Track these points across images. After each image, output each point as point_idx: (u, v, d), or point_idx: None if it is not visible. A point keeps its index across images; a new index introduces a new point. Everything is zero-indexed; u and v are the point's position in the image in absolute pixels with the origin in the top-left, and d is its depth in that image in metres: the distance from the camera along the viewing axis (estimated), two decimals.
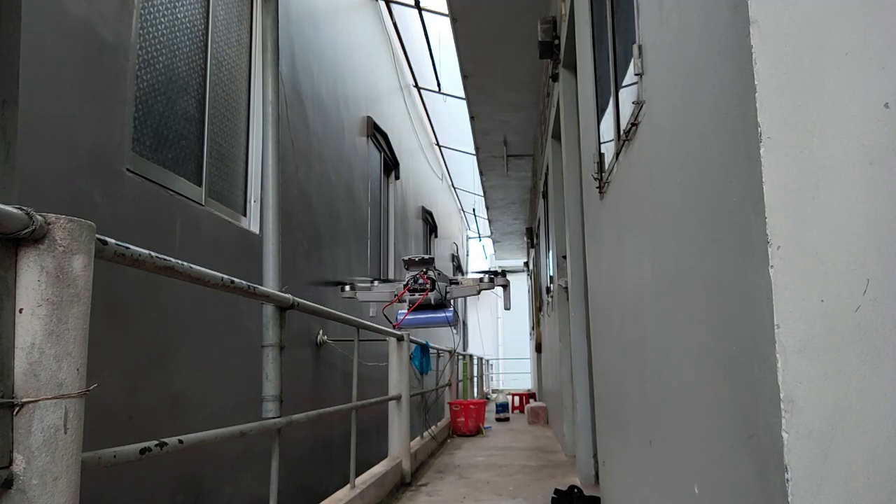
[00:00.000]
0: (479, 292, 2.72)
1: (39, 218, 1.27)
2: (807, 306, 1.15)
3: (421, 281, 2.02)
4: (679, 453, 1.99)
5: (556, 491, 4.33)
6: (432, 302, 1.93)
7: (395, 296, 2.44)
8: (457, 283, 3.39)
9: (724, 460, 1.52)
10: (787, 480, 1.09)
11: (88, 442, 1.42)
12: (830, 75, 1.24)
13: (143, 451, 1.70)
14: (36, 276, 1.27)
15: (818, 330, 1.14)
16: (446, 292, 2.10)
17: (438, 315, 2.13)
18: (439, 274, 2.77)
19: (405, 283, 2.08)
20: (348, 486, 4.06)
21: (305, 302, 3.07)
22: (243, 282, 2.31)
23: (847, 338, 1.13)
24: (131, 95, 3.23)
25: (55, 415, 1.24)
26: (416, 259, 2.12)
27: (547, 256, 8.98)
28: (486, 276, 3.15)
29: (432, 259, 2.08)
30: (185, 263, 1.86)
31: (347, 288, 2.53)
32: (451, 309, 2.19)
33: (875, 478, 1.08)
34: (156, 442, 1.77)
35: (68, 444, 1.26)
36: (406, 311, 2.06)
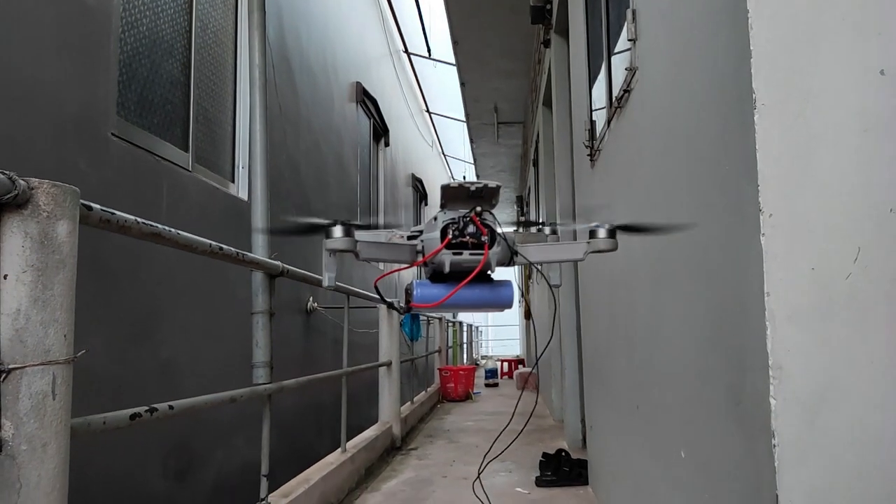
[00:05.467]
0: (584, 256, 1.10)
1: (22, 183, 1.24)
2: (797, 274, 1.15)
3: (473, 229, 0.91)
4: (666, 419, 2.01)
5: (544, 454, 4.39)
6: (491, 268, 0.97)
7: (421, 255, 1.07)
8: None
9: (710, 426, 1.54)
10: (774, 446, 1.10)
11: (78, 409, 1.42)
12: (827, 41, 1.22)
13: (133, 416, 1.70)
14: (20, 241, 1.25)
15: (808, 297, 1.14)
16: (513, 251, 1.03)
17: (492, 293, 1.00)
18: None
19: (442, 228, 0.95)
20: (339, 450, 4.10)
21: (295, 269, 3.06)
22: (232, 248, 2.29)
23: (837, 305, 1.14)
24: (115, 58, 3.15)
25: (43, 381, 1.23)
26: (465, 186, 0.93)
27: None
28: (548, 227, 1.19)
29: (497, 189, 0.96)
30: (172, 230, 1.83)
31: (337, 231, 1.12)
32: (510, 282, 1.04)
33: (861, 444, 1.10)
34: (146, 408, 1.77)
35: (57, 410, 1.26)
36: (428, 280, 1.01)
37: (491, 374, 13.35)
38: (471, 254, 0.89)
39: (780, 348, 1.12)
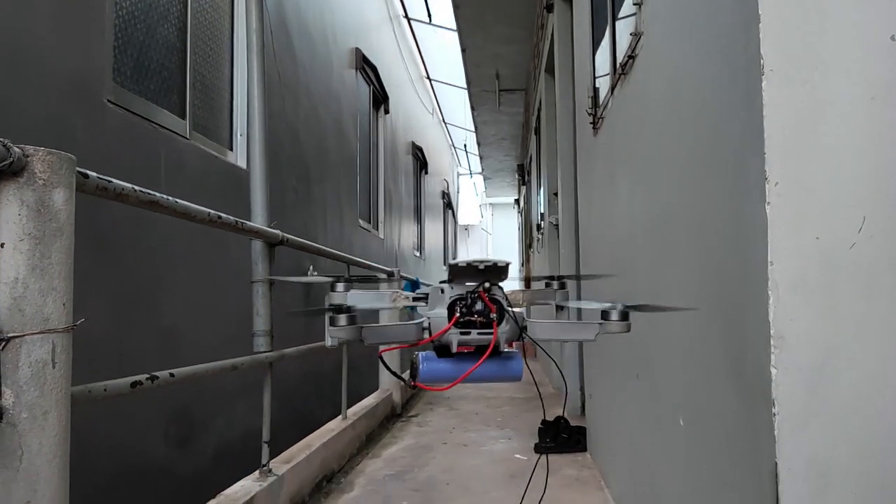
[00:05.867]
0: (595, 336, 1.14)
1: (17, 150, 1.22)
2: (801, 243, 1.14)
3: (481, 306, 0.86)
4: (665, 387, 2.02)
5: (543, 421, 4.44)
6: (501, 347, 0.89)
7: (428, 333, 0.95)
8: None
9: (710, 395, 1.55)
10: (774, 415, 1.10)
11: (78, 377, 1.42)
12: (836, 6, 1.19)
13: (133, 384, 1.70)
14: (16, 209, 1.24)
15: (812, 267, 1.13)
16: (522, 328, 0.95)
17: (501, 367, 0.96)
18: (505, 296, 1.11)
19: (449, 305, 0.89)
20: (340, 417, 4.14)
21: (295, 238, 3.05)
22: (230, 217, 2.27)
23: (841, 275, 1.13)
24: (110, 23, 3.10)
25: (42, 349, 1.23)
26: (474, 265, 0.89)
27: (538, 193, 8.95)
28: (556, 281, 1.41)
29: (506, 266, 0.91)
30: (170, 198, 1.82)
31: (341, 320, 1.07)
32: (518, 353, 0.98)
33: (862, 413, 1.10)
34: (146, 375, 1.77)
35: (57, 378, 1.26)
36: (434, 353, 0.94)
37: None
38: (479, 333, 0.86)
39: (782, 318, 1.12)
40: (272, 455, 2.84)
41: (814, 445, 1.10)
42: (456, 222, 22.44)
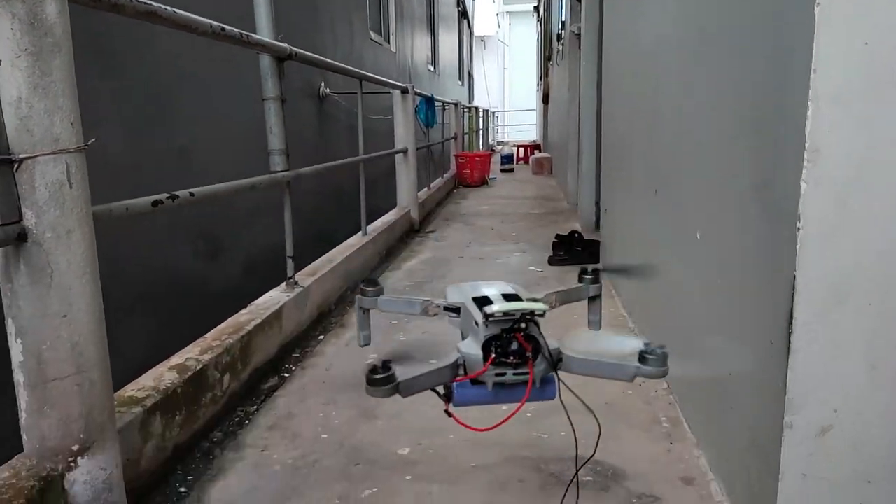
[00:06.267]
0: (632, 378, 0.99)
1: None
2: (849, 49, 1.05)
3: (516, 346, 0.85)
4: (684, 202, 2.01)
5: (558, 236, 4.52)
6: (536, 384, 0.87)
7: (464, 371, 0.94)
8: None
9: (731, 209, 1.53)
10: (798, 229, 1.09)
11: (100, 197, 1.43)
12: None
13: (155, 203, 1.72)
14: (8, 24, 1.17)
15: (857, 76, 1.05)
16: (557, 360, 0.89)
17: (534, 393, 0.93)
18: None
19: (483, 345, 0.87)
20: (360, 233, 4.25)
21: (304, 52, 2.91)
22: (234, 29, 2.15)
23: (885, 84, 1.05)
24: None
25: (57, 170, 1.22)
26: (509, 316, 0.86)
27: None
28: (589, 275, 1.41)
29: (543, 313, 0.89)
30: (169, 8, 1.70)
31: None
32: (552, 377, 0.94)
33: (889, 228, 1.08)
34: (167, 194, 1.78)
35: (76, 198, 1.26)
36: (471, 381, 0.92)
37: (507, 159, 13.37)
38: (514, 374, 0.84)
39: (819, 129, 1.06)
40: (297, 269, 2.95)
41: (836, 261, 1.10)
42: (472, 33, 21.34)
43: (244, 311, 2.55)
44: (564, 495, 0.98)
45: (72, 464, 1.34)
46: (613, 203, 3.72)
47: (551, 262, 4.25)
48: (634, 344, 0.89)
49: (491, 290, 0.97)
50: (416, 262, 4.51)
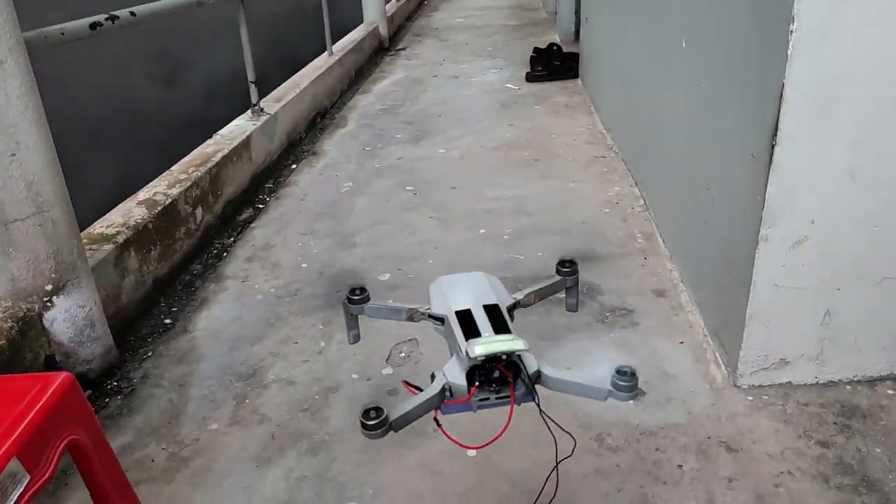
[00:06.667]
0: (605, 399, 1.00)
1: None
2: None
3: (498, 374, 0.92)
4: (671, 6, 1.88)
5: (535, 49, 4.31)
6: (518, 402, 0.93)
7: (450, 395, 0.94)
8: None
9: (720, 14, 1.42)
10: (791, 32, 1.01)
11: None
12: None
13: (93, 25, 1.56)
14: None
15: None
16: (533, 380, 0.95)
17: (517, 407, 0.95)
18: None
19: (467, 374, 0.93)
20: (326, 53, 4.01)
21: None
22: None
23: None
24: None
25: None
26: (496, 356, 0.93)
27: None
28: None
29: (526, 350, 0.94)
30: None
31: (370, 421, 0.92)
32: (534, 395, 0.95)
33: (884, 27, 1.00)
34: (105, 16, 1.62)
35: (2, 24, 1.13)
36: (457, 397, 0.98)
37: None
38: (497, 398, 0.91)
39: None
40: (262, 95, 2.80)
41: (826, 68, 1.03)
42: None
43: (210, 141, 2.45)
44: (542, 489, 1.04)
45: (48, 303, 1.33)
46: (594, 10, 3.50)
47: (529, 77, 4.09)
48: (609, 365, 0.94)
49: (469, 300, 1.01)
50: (388, 84, 4.32)
